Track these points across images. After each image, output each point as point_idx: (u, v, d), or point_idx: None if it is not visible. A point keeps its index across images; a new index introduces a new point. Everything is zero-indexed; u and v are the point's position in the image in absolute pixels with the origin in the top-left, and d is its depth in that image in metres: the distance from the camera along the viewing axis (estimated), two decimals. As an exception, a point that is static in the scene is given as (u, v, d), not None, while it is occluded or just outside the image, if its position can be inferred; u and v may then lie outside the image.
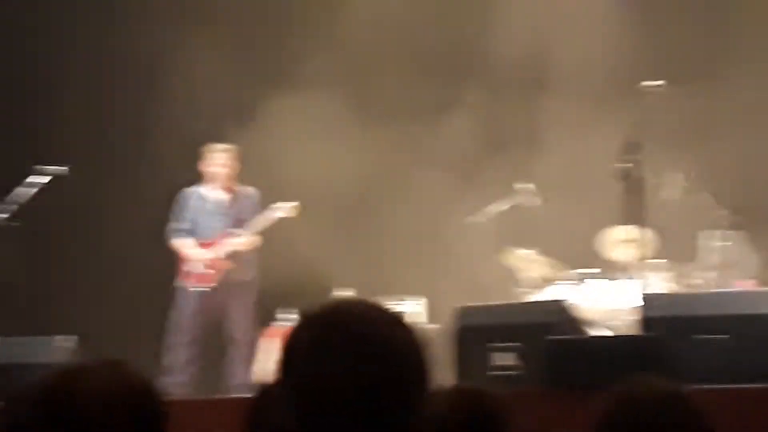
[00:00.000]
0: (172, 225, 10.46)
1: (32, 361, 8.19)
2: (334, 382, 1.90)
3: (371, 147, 12.14)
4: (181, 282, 10.33)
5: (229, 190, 10.43)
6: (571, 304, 7.62)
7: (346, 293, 10.91)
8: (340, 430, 1.90)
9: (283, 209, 10.40)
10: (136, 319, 11.74)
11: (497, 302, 9.30)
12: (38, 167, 10.03)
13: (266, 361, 10.16)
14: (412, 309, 11.06)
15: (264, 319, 10.92)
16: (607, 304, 10.38)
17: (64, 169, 10.06)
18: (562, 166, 11.39)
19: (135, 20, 12.81)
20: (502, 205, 11.27)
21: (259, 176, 10.75)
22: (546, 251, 11.01)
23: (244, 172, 10.59)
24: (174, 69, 12.37)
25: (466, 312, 7.35)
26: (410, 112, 12.18)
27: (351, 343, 1.93)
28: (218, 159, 10.36)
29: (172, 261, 10.46)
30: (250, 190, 10.47)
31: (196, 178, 10.53)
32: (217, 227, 10.37)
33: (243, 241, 10.27)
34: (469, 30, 12.38)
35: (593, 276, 10.76)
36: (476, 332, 7.13)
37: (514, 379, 6.89)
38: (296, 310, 10.52)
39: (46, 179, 9.98)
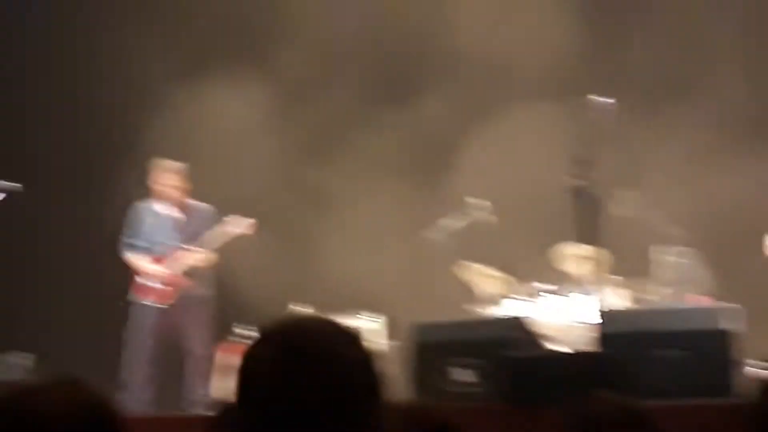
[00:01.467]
0: (125, 239, 10.38)
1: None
2: (292, 401, 1.89)
3: (327, 161, 12.12)
4: (135, 297, 10.26)
5: (181, 206, 10.35)
6: (528, 319, 7.61)
7: (304, 309, 10.88)
8: None
9: (241, 225, 10.35)
10: (91, 335, 11.67)
11: (455, 318, 9.30)
12: None
13: (223, 377, 10.12)
14: (370, 325, 11.04)
15: (221, 333, 10.88)
16: (563, 320, 10.40)
17: (17, 185, 9.96)
18: (513, 180, 11.40)
19: (88, 34, 12.77)
20: (458, 220, 11.27)
21: (211, 189, 10.70)
22: (501, 266, 11.02)
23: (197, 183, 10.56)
24: (127, 86, 12.33)
25: (423, 328, 7.34)
26: (365, 123, 12.18)
27: (299, 360, 1.92)
28: (169, 179, 10.28)
29: (126, 276, 10.40)
30: (204, 207, 10.37)
31: (148, 192, 10.46)
32: (169, 243, 10.29)
33: (200, 257, 10.23)
34: (425, 39, 12.35)
35: (549, 291, 10.79)
36: (434, 349, 7.11)
37: (473, 395, 6.88)
38: (253, 326, 10.50)
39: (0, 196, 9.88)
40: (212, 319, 10.30)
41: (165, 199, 10.29)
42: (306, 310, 10.88)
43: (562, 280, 10.78)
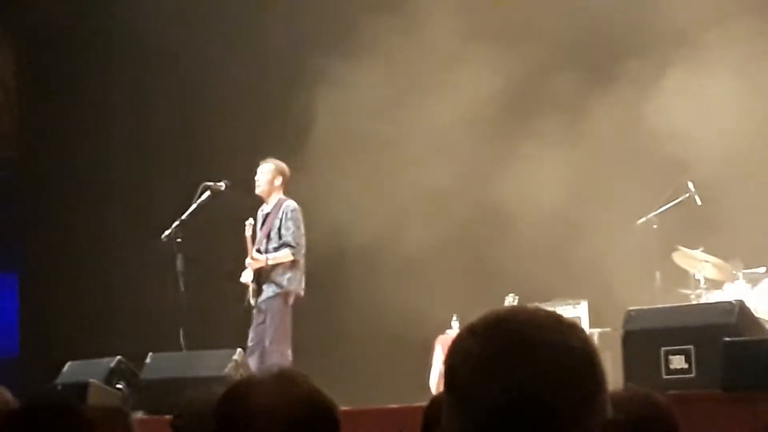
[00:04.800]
0: None
1: (199, 374, 8.35)
2: (499, 392, 1.86)
3: (521, 151, 11.99)
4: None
5: (269, 203, 10.42)
6: (744, 304, 7.40)
7: (510, 299, 10.86)
8: None
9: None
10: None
11: (668, 305, 9.12)
12: (203, 184, 10.26)
13: (440, 368, 10.26)
14: (572, 313, 10.92)
15: (441, 326, 10.93)
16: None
17: (221, 184, 10.29)
18: (723, 161, 11.06)
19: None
20: (666, 205, 11.03)
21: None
22: (714, 251, 10.74)
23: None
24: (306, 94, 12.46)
25: (636, 315, 7.22)
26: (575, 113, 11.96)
27: (516, 351, 1.89)
28: (257, 174, 10.41)
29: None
30: (285, 204, 10.35)
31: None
32: (257, 241, 10.40)
33: (259, 257, 10.23)
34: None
35: (765, 275, 10.47)
36: (648, 335, 7.01)
37: (689, 382, 6.75)
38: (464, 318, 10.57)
39: (206, 195, 10.22)
40: (286, 316, 10.25)
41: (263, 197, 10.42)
42: (511, 299, 10.87)
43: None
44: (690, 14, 11.35)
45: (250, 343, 10.14)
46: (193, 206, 10.21)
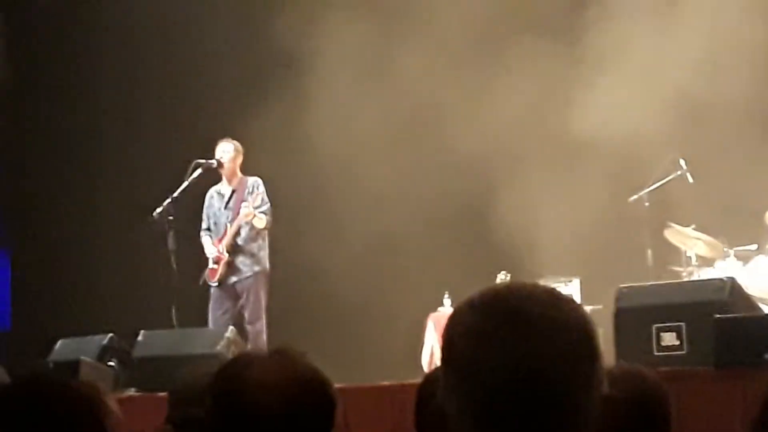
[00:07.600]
0: (202, 224, 10.59)
1: (191, 352, 8.36)
2: (497, 365, 1.87)
3: (514, 126, 11.91)
4: (206, 279, 10.44)
5: (231, 182, 10.43)
6: (735, 281, 7.42)
7: (502, 277, 10.86)
8: (505, 415, 1.86)
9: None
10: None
11: (660, 282, 9.14)
12: (195, 161, 10.25)
13: (432, 345, 10.31)
14: (564, 290, 10.88)
15: (432, 303, 10.93)
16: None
17: (213, 161, 10.30)
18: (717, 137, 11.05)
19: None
20: (657, 182, 11.03)
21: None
22: (705, 228, 10.75)
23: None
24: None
25: (628, 292, 7.24)
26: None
27: (515, 325, 1.89)
28: (217, 152, 10.38)
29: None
30: (251, 180, 10.39)
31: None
32: (223, 221, 10.42)
33: (233, 231, 10.28)
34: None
35: (757, 252, 10.49)
36: (639, 312, 7.03)
37: (680, 359, 6.78)
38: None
39: (198, 172, 10.23)
40: (264, 295, 10.31)
41: (224, 177, 10.43)
42: (503, 276, 10.86)
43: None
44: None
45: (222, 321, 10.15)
46: (185, 183, 10.21)
